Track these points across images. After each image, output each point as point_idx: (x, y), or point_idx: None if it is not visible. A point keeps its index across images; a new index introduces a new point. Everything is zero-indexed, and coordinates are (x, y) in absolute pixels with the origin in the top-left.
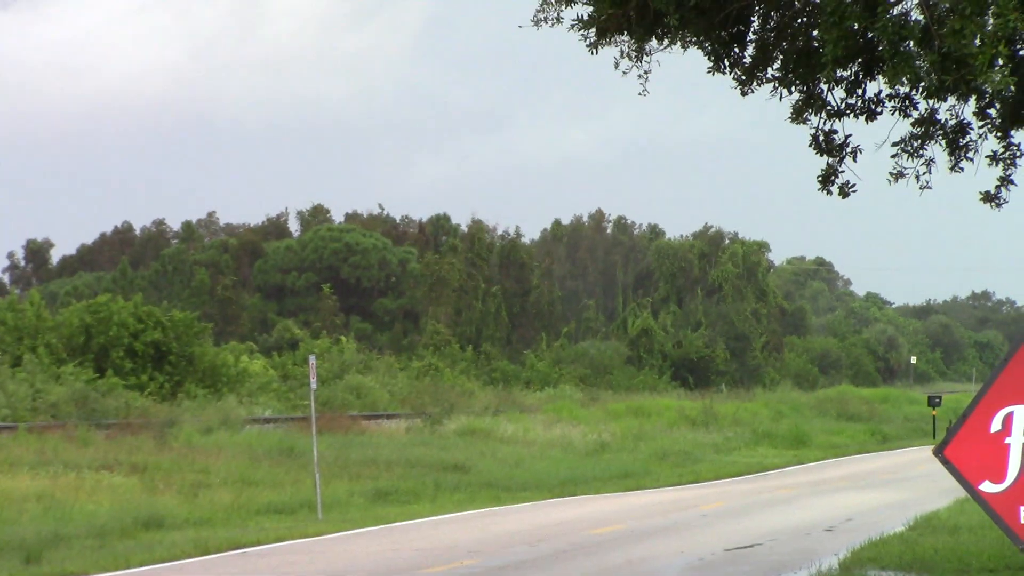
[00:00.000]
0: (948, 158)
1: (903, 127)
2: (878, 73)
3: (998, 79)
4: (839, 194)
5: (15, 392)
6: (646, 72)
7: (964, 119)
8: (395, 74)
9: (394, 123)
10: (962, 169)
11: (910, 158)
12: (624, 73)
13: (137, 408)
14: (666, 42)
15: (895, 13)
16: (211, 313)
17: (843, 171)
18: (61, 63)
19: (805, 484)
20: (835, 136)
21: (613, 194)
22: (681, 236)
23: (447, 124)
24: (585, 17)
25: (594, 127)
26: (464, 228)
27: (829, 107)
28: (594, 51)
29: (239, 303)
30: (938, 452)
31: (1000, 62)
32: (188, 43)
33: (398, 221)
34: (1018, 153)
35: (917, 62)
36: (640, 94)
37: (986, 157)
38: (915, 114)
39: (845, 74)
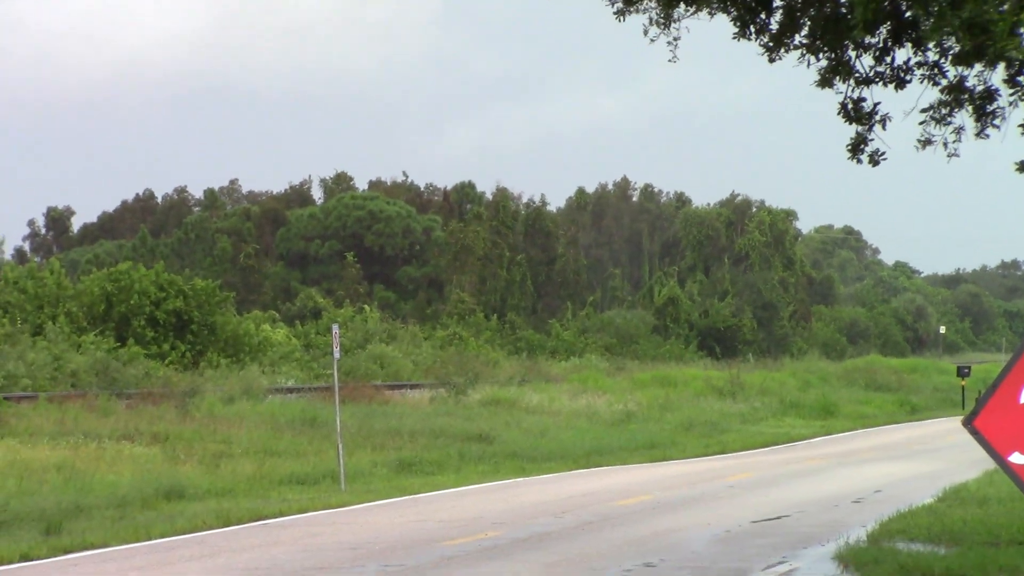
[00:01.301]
0: (975, 125)
1: (931, 94)
2: (907, 40)
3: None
4: (869, 162)
5: (35, 361)
6: (675, 39)
7: (992, 85)
8: (421, 42)
9: (419, 91)
10: (988, 136)
11: (938, 125)
12: (652, 40)
13: (159, 377)
14: (692, 8)
15: None
16: (233, 281)
17: (872, 139)
18: (84, 31)
19: (833, 455)
20: (864, 104)
21: (640, 162)
22: (708, 204)
23: (473, 92)
24: None
25: (623, 95)
26: (489, 196)
27: (857, 74)
28: (621, 18)
29: (261, 271)
30: (967, 423)
31: (1022, 30)
32: (212, 11)
33: (422, 189)
34: None
35: (946, 28)
36: (670, 61)
37: (1018, 126)
38: (944, 81)
39: (873, 41)
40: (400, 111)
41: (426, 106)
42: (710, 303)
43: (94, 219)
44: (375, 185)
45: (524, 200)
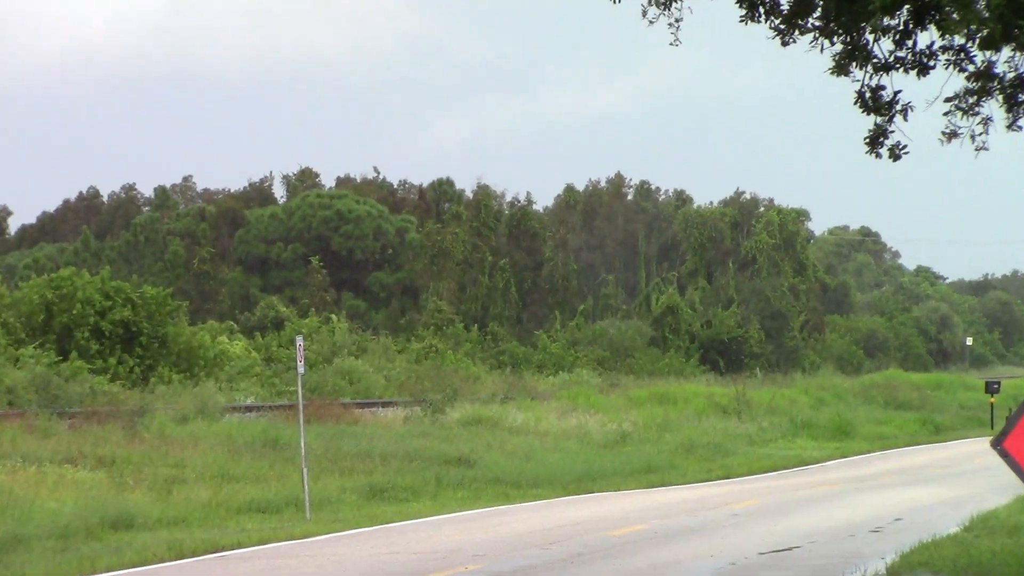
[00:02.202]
0: (1005, 115)
1: (957, 82)
2: (930, 22)
3: None
4: (889, 156)
5: None
6: (676, 21)
7: None
8: (398, 25)
9: (395, 79)
10: (1019, 128)
11: (965, 116)
12: (651, 23)
13: (104, 395)
14: None
15: None
16: (186, 289)
17: (893, 131)
18: (26, 11)
19: (849, 480)
20: (883, 92)
21: (636, 157)
22: (710, 203)
23: (455, 81)
24: None
25: (619, 84)
26: (469, 194)
27: (875, 60)
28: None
29: (218, 278)
30: (996, 444)
31: None
32: None
33: (395, 186)
34: None
35: (977, 4)
36: (671, 44)
37: None
38: (970, 68)
39: (893, 23)
40: (372, 101)
41: (402, 96)
42: (713, 312)
43: (33, 220)
44: (343, 182)
45: (508, 199)
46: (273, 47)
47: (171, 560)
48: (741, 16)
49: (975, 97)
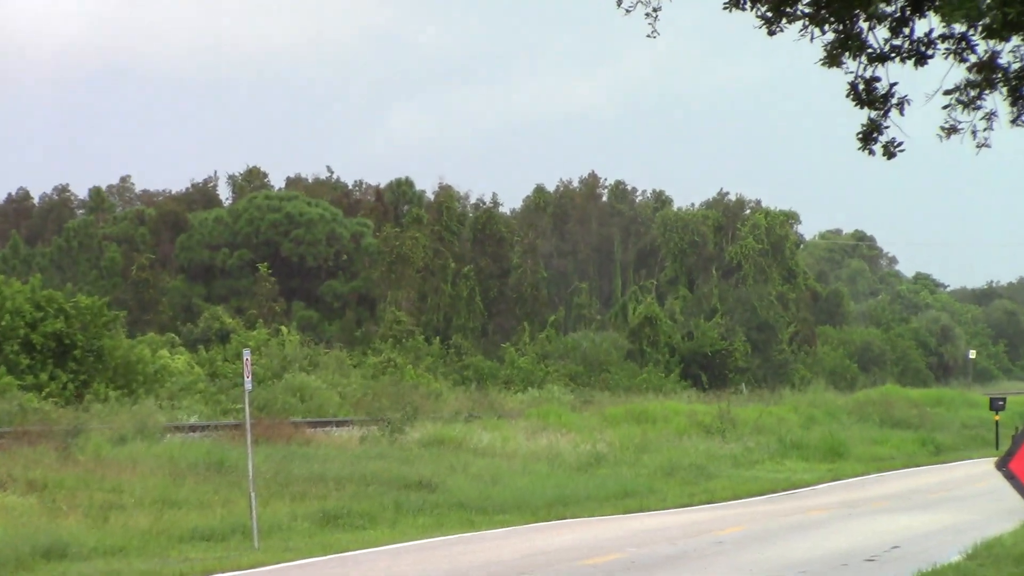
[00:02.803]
0: (1009, 109)
1: (958, 73)
2: (928, 9)
3: None
4: (883, 154)
5: None
6: (655, 10)
7: None
8: (357, 15)
9: (351, 71)
10: None
11: (966, 110)
12: (627, 12)
13: (35, 413)
14: None
15: None
16: (124, 299)
17: (888, 126)
18: None
19: (842, 504)
20: (877, 84)
21: (611, 156)
22: (692, 205)
23: (417, 73)
24: None
25: (594, 78)
26: (430, 196)
27: (870, 49)
28: None
29: (158, 286)
30: (1002, 465)
31: None
32: None
33: (350, 187)
34: None
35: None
36: (649, 36)
37: None
38: (972, 58)
39: (889, 9)
40: (326, 95)
41: (359, 89)
42: (695, 323)
43: None
44: (294, 183)
45: (472, 200)
46: (219, 37)
47: None
48: (725, 3)
49: (977, 90)
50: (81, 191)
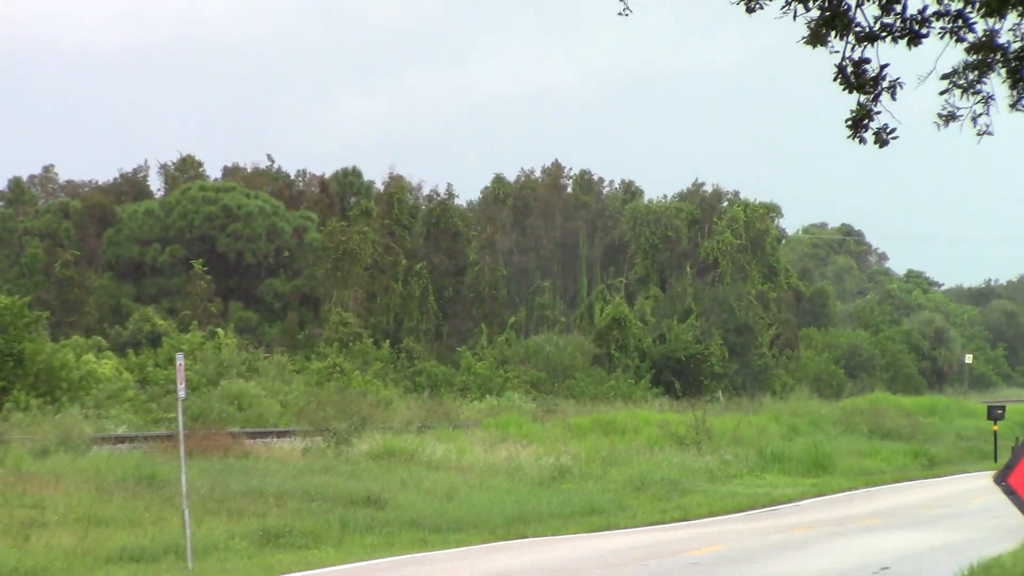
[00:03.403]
0: (1009, 93)
1: (955, 54)
2: None
3: None
4: (874, 142)
5: None
6: None
7: None
8: None
9: (295, 51)
10: None
11: (964, 94)
12: None
13: None
14: None
15: None
16: (47, 298)
17: (879, 112)
18: None
19: (827, 522)
20: (867, 66)
21: (577, 142)
22: (664, 197)
23: (367, 53)
24: None
25: (562, 58)
26: (380, 186)
27: (858, 28)
28: None
29: (84, 285)
30: (1001, 480)
31: None
32: None
33: (293, 177)
34: None
35: None
36: (620, 14)
37: None
38: (970, 37)
39: None
40: (268, 77)
41: (303, 71)
42: (667, 325)
43: None
44: (231, 173)
45: (425, 192)
46: (149, 13)
47: None
48: None
49: (976, 72)
50: (0, 182)
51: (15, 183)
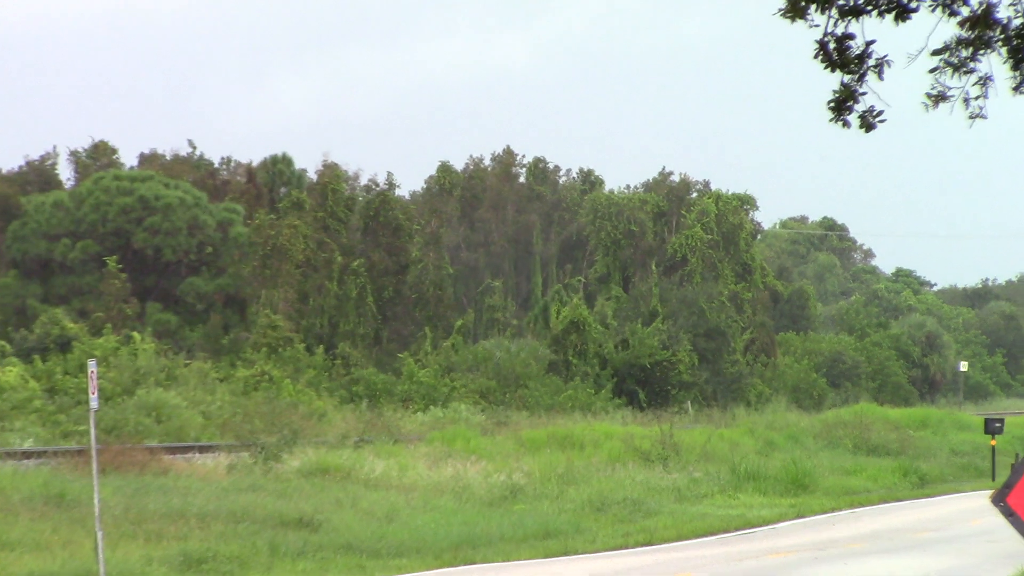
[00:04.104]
0: (1010, 74)
1: (947, 30)
2: None
3: None
4: (860, 125)
5: None
6: None
7: None
8: None
9: (220, 26)
10: None
11: (957, 74)
12: None
13: None
14: None
15: None
16: None
17: (864, 93)
18: None
19: (808, 546)
20: (851, 43)
21: (530, 127)
22: (627, 188)
23: (301, 30)
24: None
25: (515, 35)
26: (313, 176)
27: (841, 0)
28: None
29: None
30: (999, 500)
31: None
32: None
33: (217, 165)
34: None
35: None
36: None
37: None
38: (964, 11)
39: None
40: (189, 56)
41: (229, 48)
42: (631, 329)
43: None
44: (149, 160)
45: (363, 181)
46: None
47: None
48: None
49: (970, 49)
50: None
51: None
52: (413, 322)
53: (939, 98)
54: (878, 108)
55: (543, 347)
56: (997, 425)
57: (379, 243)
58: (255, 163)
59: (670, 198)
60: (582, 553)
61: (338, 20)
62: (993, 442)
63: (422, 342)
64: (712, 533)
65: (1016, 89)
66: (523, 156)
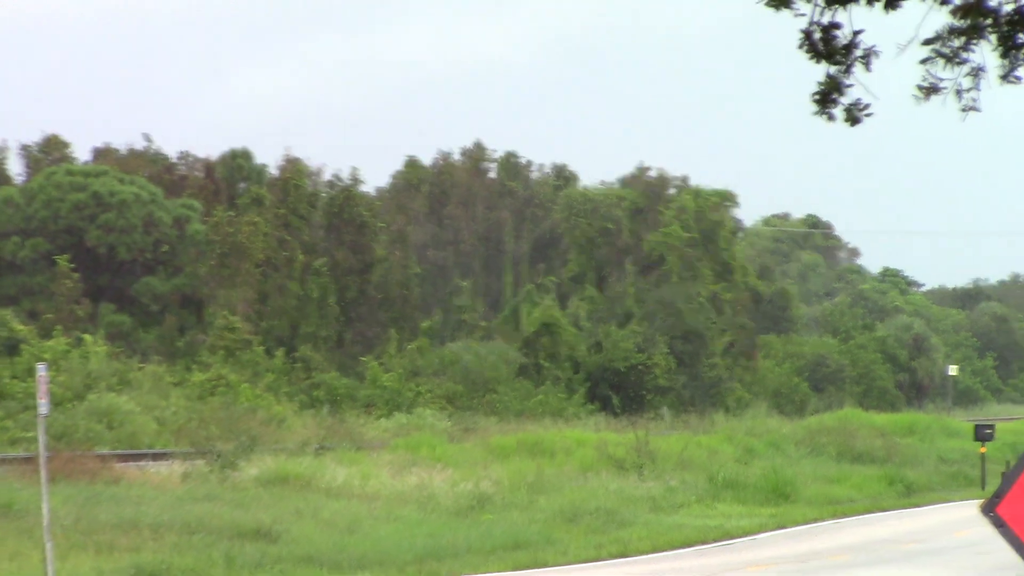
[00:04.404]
0: (1000, 62)
1: (938, 18)
2: None
3: None
4: (845, 119)
5: None
6: None
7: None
8: None
9: (178, 15)
10: (1018, 79)
11: (948, 64)
12: None
13: None
14: None
15: None
16: None
17: (851, 85)
18: None
19: (788, 558)
20: (838, 32)
21: (501, 121)
22: (602, 183)
23: (262, 17)
24: None
25: (488, 23)
26: (274, 171)
27: None
28: None
29: None
30: (988, 510)
31: None
32: None
33: (174, 160)
34: None
35: None
36: None
37: None
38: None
39: None
40: (145, 46)
41: (187, 38)
42: (605, 331)
43: None
44: (103, 155)
45: (326, 177)
46: None
47: None
48: None
49: (962, 39)
50: None
51: None
52: (378, 324)
53: (931, 90)
54: (865, 101)
55: (513, 350)
56: (988, 432)
57: (343, 241)
58: (214, 158)
59: (647, 194)
60: (553, 565)
61: (302, 8)
62: (983, 449)
63: (387, 345)
64: (689, 544)
65: (1004, 77)
66: (494, 151)
